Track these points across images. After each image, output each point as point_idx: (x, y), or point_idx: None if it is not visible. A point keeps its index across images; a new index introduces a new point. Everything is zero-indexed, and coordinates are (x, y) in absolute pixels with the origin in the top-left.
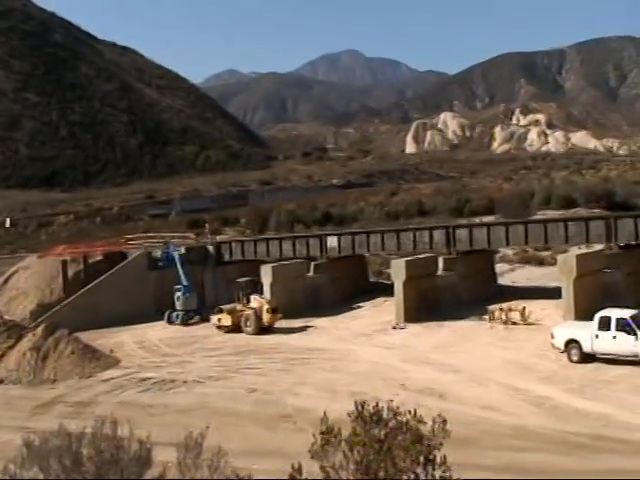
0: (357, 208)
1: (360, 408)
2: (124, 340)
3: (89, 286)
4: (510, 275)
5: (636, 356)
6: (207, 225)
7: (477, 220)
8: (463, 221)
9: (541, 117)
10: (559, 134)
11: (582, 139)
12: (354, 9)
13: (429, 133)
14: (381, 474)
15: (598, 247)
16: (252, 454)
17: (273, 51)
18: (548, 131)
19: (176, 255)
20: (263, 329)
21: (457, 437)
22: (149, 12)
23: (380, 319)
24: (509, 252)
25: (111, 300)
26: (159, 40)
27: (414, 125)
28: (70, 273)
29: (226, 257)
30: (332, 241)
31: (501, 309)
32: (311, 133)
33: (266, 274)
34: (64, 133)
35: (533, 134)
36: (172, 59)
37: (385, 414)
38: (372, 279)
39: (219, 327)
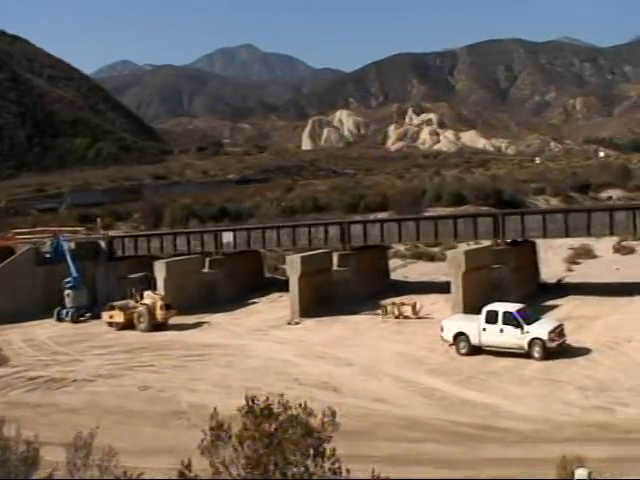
0: (253, 204)
1: (251, 403)
2: (12, 338)
3: None
4: (402, 270)
5: (521, 348)
6: (98, 220)
7: (371, 216)
8: (357, 217)
9: (433, 116)
10: (450, 133)
11: (472, 138)
12: (251, 3)
13: (325, 130)
14: (271, 468)
15: (486, 243)
16: (144, 452)
17: (169, 43)
18: (439, 130)
19: (65, 245)
20: (156, 326)
21: (350, 429)
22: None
23: (275, 314)
24: (402, 248)
25: None
26: (50, 29)
27: (310, 122)
28: None
29: (118, 253)
30: (227, 237)
31: (393, 303)
32: (207, 127)
33: (160, 270)
34: None
35: (425, 133)
36: (64, 48)
37: (276, 408)
38: (268, 275)
39: (111, 324)
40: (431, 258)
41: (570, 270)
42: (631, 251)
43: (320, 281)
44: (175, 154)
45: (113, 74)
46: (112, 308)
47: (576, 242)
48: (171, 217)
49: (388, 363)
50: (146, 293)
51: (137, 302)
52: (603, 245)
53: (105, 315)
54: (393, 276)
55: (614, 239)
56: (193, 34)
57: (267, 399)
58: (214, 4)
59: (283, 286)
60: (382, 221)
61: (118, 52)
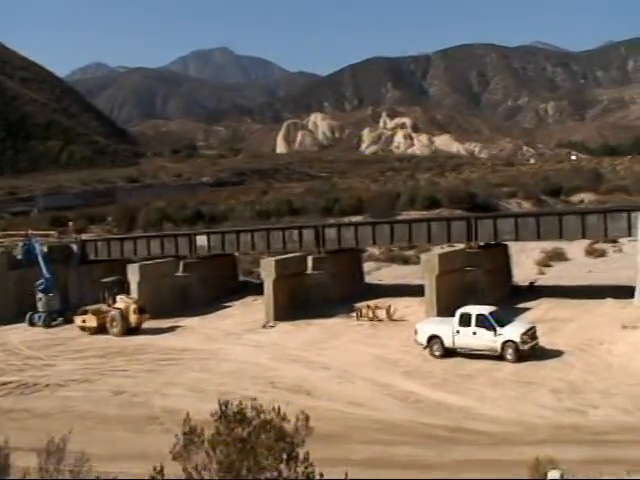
0: (228, 207)
1: (224, 407)
2: None
3: None
4: (377, 273)
5: (494, 351)
6: (71, 223)
7: (346, 220)
8: (332, 220)
9: (407, 120)
10: (424, 137)
11: (445, 142)
12: (226, 6)
13: (300, 133)
14: (244, 473)
15: (460, 246)
16: (118, 458)
17: (142, 45)
18: (413, 134)
19: (37, 246)
20: (130, 330)
21: (325, 433)
22: (12, 2)
23: (250, 318)
24: (376, 251)
25: None
26: (23, 31)
27: (285, 125)
28: None
29: (91, 256)
30: (201, 240)
31: (368, 307)
32: (181, 130)
33: (133, 273)
34: None
35: (399, 137)
36: (37, 51)
37: (249, 413)
38: (242, 278)
39: (83, 328)
40: (405, 261)
41: (542, 273)
42: (603, 254)
43: (295, 284)
44: (149, 157)
45: (86, 76)
46: (85, 312)
47: (548, 245)
48: (145, 220)
49: (362, 366)
50: (119, 297)
51: (110, 306)
52: (575, 248)
53: (78, 319)
54: (367, 279)
55: (586, 242)
56: (167, 36)
57: (240, 403)
58: (188, 7)
59: (258, 289)
60: (356, 224)
61: (92, 54)
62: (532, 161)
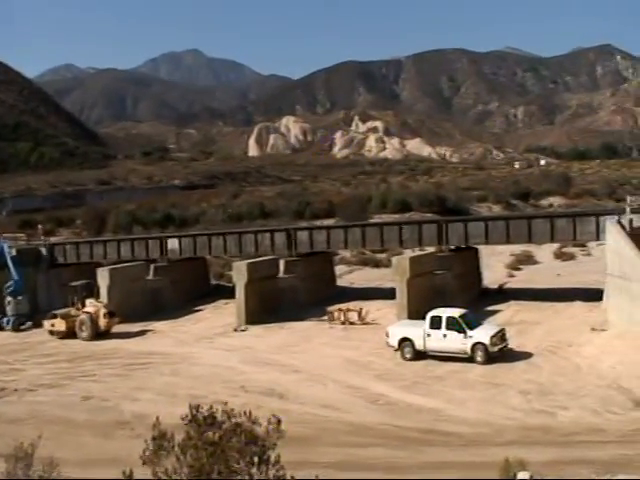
0: (199, 210)
1: (194, 412)
2: None
3: None
4: (349, 277)
5: (465, 353)
6: (40, 226)
7: (317, 223)
8: (304, 224)
9: (379, 124)
10: (395, 141)
11: (417, 146)
12: (197, 8)
13: (272, 136)
14: (215, 476)
15: (430, 250)
16: (87, 463)
17: (112, 47)
18: (385, 138)
19: (5, 247)
20: (99, 334)
21: (297, 436)
22: None
23: (221, 322)
24: (348, 254)
25: None
26: None
27: (257, 128)
28: None
29: (60, 260)
30: (173, 243)
31: (340, 310)
32: (152, 132)
33: (103, 277)
34: None
35: (371, 140)
36: (6, 52)
37: (219, 416)
38: (214, 282)
39: (52, 333)
40: (377, 264)
41: (512, 276)
42: (571, 257)
43: (267, 288)
44: (119, 159)
45: (56, 78)
46: (54, 316)
47: (518, 248)
48: (114, 223)
49: (334, 369)
50: (88, 301)
51: (79, 310)
52: (544, 251)
53: (47, 323)
54: (339, 282)
55: (555, 246)
56: (138, 38)
57: (211, 407)
58: (159, 8)
59: (229, 293)
60: (328, 228)
61: (62, 56)
62: (517, 165)
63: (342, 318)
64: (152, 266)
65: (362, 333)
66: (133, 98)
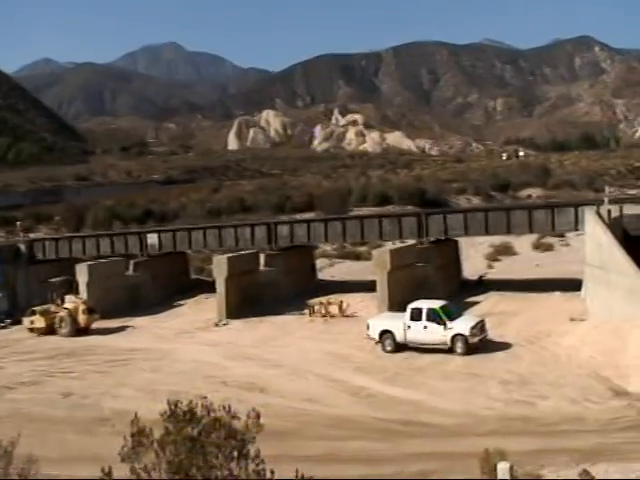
0: (179, 204)
1: (173, 407)
2: None
3: None
4: (329, 270)
5: (445, 344)
6: (18, 223)
7: (298, 217)
8: (284, 218)
9: (358, 117)
10: (375, 134)
11: (397, 139)
12: (175, 1)
13: (252, 130)
14: (194, 472)
15: (411, 242)
16: (68, 460)
17: (91, 41)
18: (365, 131)
19: None
20: (79, 331)
21: (278, 430)
22: None
23: (202, 316)
24: (328, 248)
25: None
26: None
27: (237, 122)
28: None
29: (39, 256)
30: (152, 238)
31: (321, 303)
32: (131, 127)
33: (82, 273)
34: None
35: (351, 134)
36: None
37: (198, 412)
38: (194, 276)
39: (32, 330)
40: (357, 257)
41: (491, 267)
42: (550, 248)
43: (247, 282)
44: (98, 154)
45: (34, 73)
46: (33, 313)
47: (497, 240)
48: (93, 219)
49: (315, 362)
50: (68, 297)
51: (58, 307)
52: (523, 242)
53: (26, 320)
54: (320, 276)
55: (534, 236)
56: (116, 32)
57: (190, 402)
58: (137, 1)
59: (210, 288)
60: (309, 221)
61: (40, 51)
62: (504, 157)
63: (323, 311)
64: (132, 261)
65: (343, 326)
66: (112, 92)
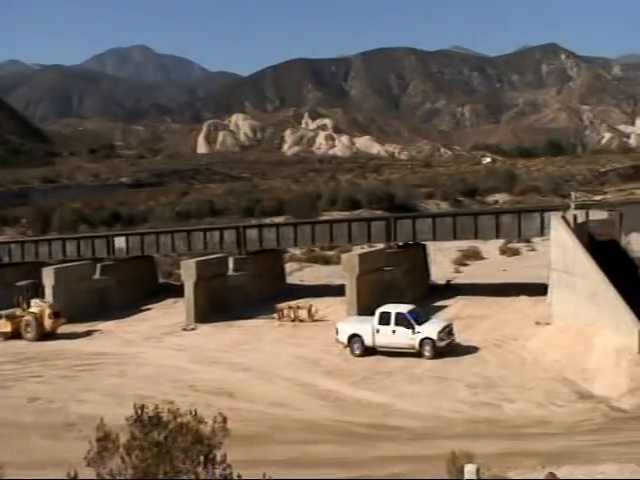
0: (147, 208)
1: (139, 412)
2: None
3: None
4: (299, 274)
5: (413, 348)
6: None
7: (267, 220)
8: (253, 221)
9: (328, 122)
10: (345, 138)
11: (366, 144)
12: (144, 3)
13: (221, 134)
14: (160, 477)
15: (379, 246)
16: (34, 465)
17: (58, 42)
18: (335, 135)
19: None
20: (45, 335)
21: (246, 434)
22: None
23: (170, 321)
24: (297, 252)
25: None
26: None
27: (206, 125)
28: None
29: (5, 259)
30: (120, 242)
31: (290, 307)
32: (98, 129)
33: (48, 277)
34: None
35: (321, 138)
36: None
37: (165, 416)
38: (162, 280)
39: None
40: (327, 261)
41: (459, 271)
42: (517, 253)
43: (216, 286)
44: (65, 156)
45: (1, 74)
46: None
47: (464, 244)
48: (60, 222)
49: (284, 366)
50: (34, 301)
51: (24, 310)
52: (490, 247)
53: None
54: (289, 280)
55: (500, 241)
56: (84, 33)
57: (156, 407)
58: (105, 3)
59: (178, 292)
60: (278, 225)
61: (6, 51)
62: (484, 161)
63: (292, 315)
64: (99, 265)
65: (312, 330)
66: (79, 94)
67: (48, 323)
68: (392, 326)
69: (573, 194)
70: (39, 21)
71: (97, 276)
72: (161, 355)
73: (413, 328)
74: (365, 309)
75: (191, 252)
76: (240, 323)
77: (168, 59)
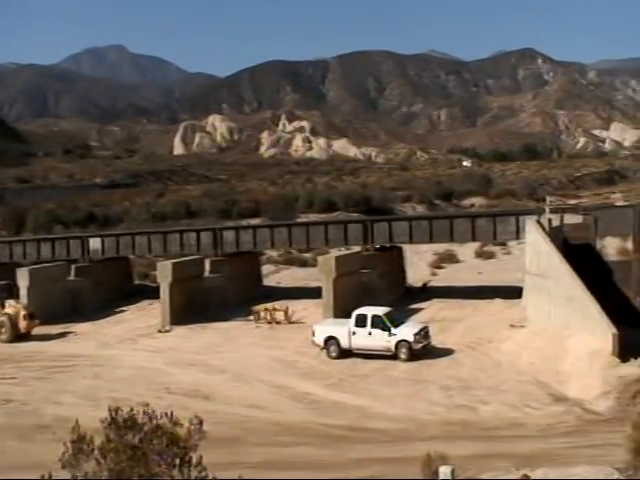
0: (122, 209)
1: (114, 414)
2: None
3: None
4: (275, 276)
5: (389, 350)
6: None
7: (244, 222)
8: (230, 223)
9: (305, 124)
10: (322, 141)
11: (343, 146)
12: (119, 3)
13: (198, 135)
14: (135, 479)
15: (356, 249)
16: (8, 468)
17: (34, 41)
18: (312, 138)
19: None
20: (19, 336)
21: (222, 437)
22: None
23: (145, 323)
24: (274, 254)
25: None
26: None
27: (182, 126)
28: None
29: None
30: (95, 243)
31: (266, 309)
32: (74, 129)
33: (22, 278)
34: None
35: (298, 140)
36: None
37: (140, 419)
38: (137, 282)
39: None
40: (303, 264)
41: (434, 274)
42: (492, 256)
43: (192, 288)
44: (39, 157)
45: None
46: None
47: (440, 247)
48: (34, 223)
49: (260, 369)
50: (8, 302)
51: None
52: (466, 250)
53: None
54: (266, 282)
55: (476, 245)
56: (59, 33)
57: (131, 410)
58: (81, 2)
59: (153, 293)
60: (255, 227)
61: None
62: (465, 164)
63: (268, 318)
64: (73, 266)
65: (288, 332)
66: (55, 94)
67: (23, 324)
68: (368, 328)
69: (548, 198)
70: (15, 20)
71: (72, 277)
72: (136, 357)
73: (389, 330)
74: (341, 311)
75: (167, 254)
76: (216, 325)
77: (145, 59)
